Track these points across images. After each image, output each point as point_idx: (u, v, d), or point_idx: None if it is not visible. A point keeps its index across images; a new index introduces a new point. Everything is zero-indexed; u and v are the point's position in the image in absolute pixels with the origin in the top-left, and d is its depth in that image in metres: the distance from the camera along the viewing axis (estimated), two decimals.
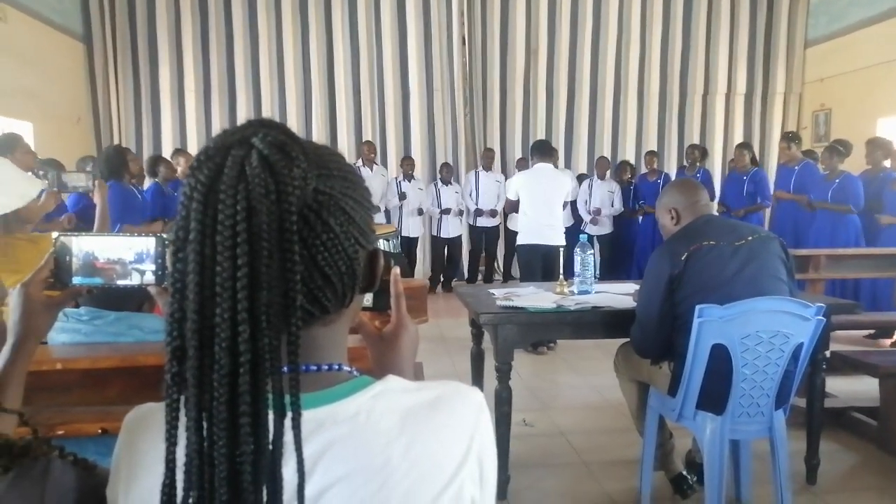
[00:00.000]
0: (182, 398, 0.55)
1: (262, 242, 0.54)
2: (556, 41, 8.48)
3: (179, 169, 6.08)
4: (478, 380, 3.24)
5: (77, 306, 1.75)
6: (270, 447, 0.54)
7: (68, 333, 1.73)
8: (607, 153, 8.55)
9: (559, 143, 8.61)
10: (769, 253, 2.26)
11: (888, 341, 5.01)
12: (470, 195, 7.75)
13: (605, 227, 7.43)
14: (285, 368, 0.56)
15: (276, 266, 0.55)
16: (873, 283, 4.98)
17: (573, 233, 5.74)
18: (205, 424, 0.54)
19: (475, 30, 8.40)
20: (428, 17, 8.25)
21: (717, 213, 5.06)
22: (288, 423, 0.55)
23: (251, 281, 0.54)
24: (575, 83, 8.58)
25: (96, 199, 2.91)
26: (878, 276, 4.47)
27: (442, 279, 7.91)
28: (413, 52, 8.27)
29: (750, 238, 2.25)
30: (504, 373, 2.55)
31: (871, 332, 5.02)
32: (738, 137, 8.66)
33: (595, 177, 7.57)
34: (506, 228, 7.95)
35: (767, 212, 7.05)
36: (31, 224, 2.41)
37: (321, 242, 0.60)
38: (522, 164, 7.45)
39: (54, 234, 0.90)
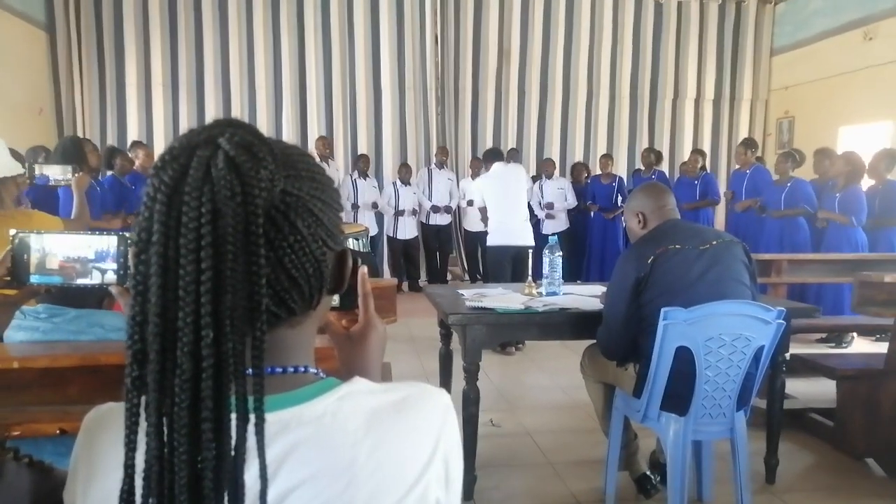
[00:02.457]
0: (142, 402, 0.54)
1: (227, 245, 0.53)
2: (529, 43, 8.55)
3: (138, 162, 5.96)
4: (446, 380, 3.25)
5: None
6: (233, 452, 0.54)
7: (25, 331, 1.68)
8: (579, 155, 8.68)
9: (531, 145, 8.69)
10: (732, 257, 2.31)
11: (843, 344, 5.15)
12: (423, 192, 7.77)
13: (561, 224, 7.49)
14: (249, 371, 0.55)
15: (242, 269, 0.54)
16: (820, 286, 5.16)
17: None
18: (165, 430, 0.53)
19: (448, 29, 8.41)
20: (401, 16, 8.24)
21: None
22: (251, 427, 0.54)
23: (215, 284, 0.53)
24: (547, 85, 8.66)
25: (74, 191, 2.82)
26: (836, 280, 4.60)
27: (408, 279, 7.90)
28: (386, 51, 8.25)
29: (714, 242, 2.29)
30: (472, 373, 2.56)
31: (823, 335, 5.18)
32: (706, 141, 8.86)
33: (544, 177, 7.64)
34: (462, 228, 7.99)
35: (721, 214, 7.27)
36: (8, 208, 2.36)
37: (288, 244, 0.60)
38: (477, 165, 7.48)
39: (12, 231, 0.87)
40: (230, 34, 8.02)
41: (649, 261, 2.23)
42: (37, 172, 2.81)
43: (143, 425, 0.54)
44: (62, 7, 7.52)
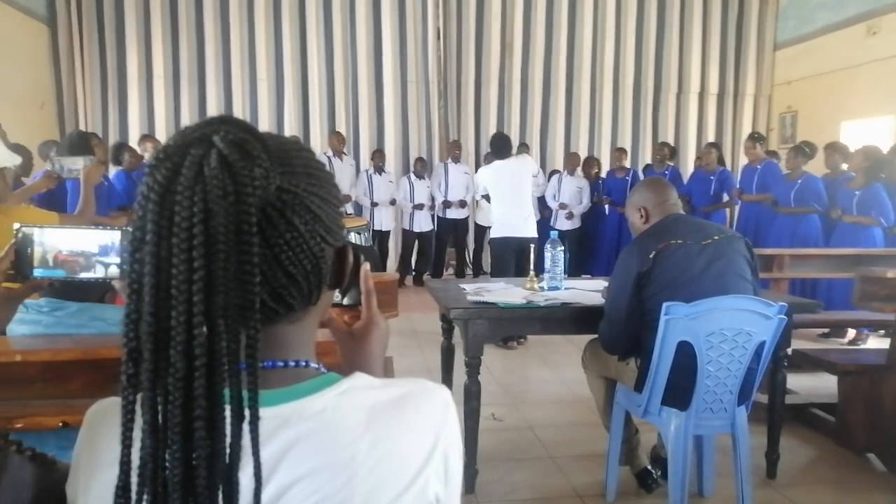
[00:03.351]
0: (139, 399, 0.55)
1: (218, 245, 0.53)
2: (532, 36, 8.51)
3: (147, 155, 5.98)
4: (448, 374, 3.25)
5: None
6: (228, 450, 0.54)
7: (28, 325, 1.69)
8: (583, 149, 8.58)
9: (534, 139, 8.65)
10: (734, 252, 2.31)
11: (843, 339, 5.15)
12: (439, 187, 7.76)
13: (574, 223, 7.49)
14: (243, 366, 0.55)
15: (234, 268, 0.54)
16: (830, 282, 5.11)
17: (542, 227, 5.77)
18: (159, 427, 0.54)
19: (450, 22, 8.38)
20: (403, 9, 8.21)
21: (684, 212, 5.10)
22: (247, 425, 0.54)
23: (207, 284, 0.53)
24: (550, 78, 8.62)
25: (82, 184, 2.81)
26: (839, 275, 4.58)
27: (413, 273, 7.90)
28: (388, 44, 8.23)
29: (716, 237, 2.29)
30: (474, 367, 2.56)
31: (826, 330, 5.15)
32: (710, 136, 8.81)
33: (565, 172, 7.61)
34: (475, 222, 7.99)
35: (733, 211, 7.19)
36: (4, 201, 2.35)
37: (284, 241, 0.60)
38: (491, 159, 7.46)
39: (16, 225, 0.87)
40: (231, 26, 7.99)
41: (651, 256, 2.23)
42: (55, 165, 2.82)
43: (139, 422, 0.55)
44: (63, 0, 7.50)
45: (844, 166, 5.64)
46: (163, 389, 0.54)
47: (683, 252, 2.24)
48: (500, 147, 5.04)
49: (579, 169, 7.65)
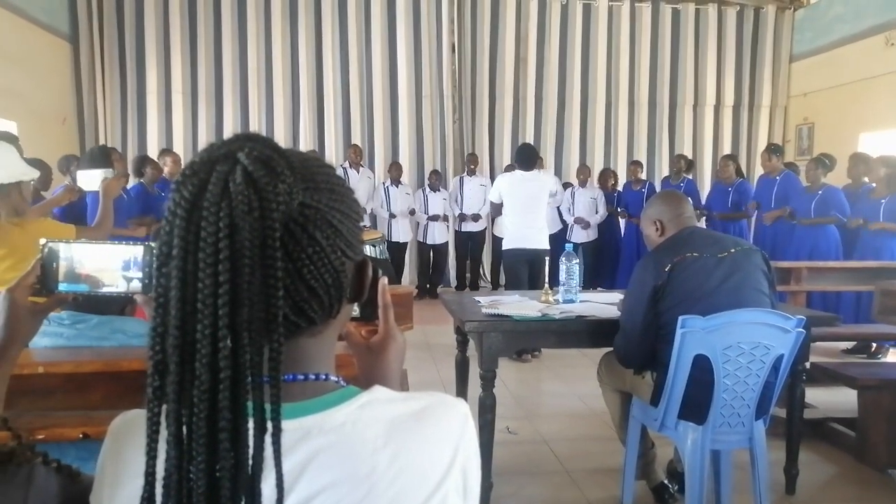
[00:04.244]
0: (164, 410, 0.56)
1: (244, 259, 0.55)
2: (546, 50, 8.54)
3: (166, 169, 6.07)
4: (462, 387, 3.25)
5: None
6: (251, 462, 0.55)
7: (50, 337, 1.71)
8: (599, 162, 8.57)
9: (549, 152, 8.65)
10: (751, 265, 2.29)
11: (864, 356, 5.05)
12: (455, 200, 7.79)
13: (590, 234, 7.46)
14: (266, 379, 0.56)
15: (259, 282, 0.56)
16: (855, 295, 5.03)
17: (559, 239, 5.75)
18: (184, 439, 0.55)
19: (465, 37, 8.44)
20: (418, 24, 8.28)
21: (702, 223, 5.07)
22: (269, 437, 0.55)
23: (232, 297, 0.54)
24: (565, 92, 8.63)
25: (101, 198, 2.85)
26: (858, 289, 4.52)
27: (428, 286, 7.91)
28: (402, 58, 8.30)
29: (733, 250, 2.28)
30: (488, 380, 2.56)
31: (850, 346, 5.07)
32: (726, 148, 8.76)
33: (577, 185, 7.60)
34: (493, 235, 7.99)
35: (751, 222, 7.13)
36: (22, 215, 2.39)
37: (307, 256, 0.61)
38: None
39: (42, 241, 0.89)
40: (249, 43, 8.11)
41: (667, 269, 2.22)
42: (75, 179, 2.87)
43: (165, 433, 0.56)
44: (86, 18, 7.65)
45: (866, 179, 5.58)
46: (188, 402, 0.55)
47: (700, 265, 2.23)
48: (526, 158, 4.96)
49: (592, 181, 7.65)
